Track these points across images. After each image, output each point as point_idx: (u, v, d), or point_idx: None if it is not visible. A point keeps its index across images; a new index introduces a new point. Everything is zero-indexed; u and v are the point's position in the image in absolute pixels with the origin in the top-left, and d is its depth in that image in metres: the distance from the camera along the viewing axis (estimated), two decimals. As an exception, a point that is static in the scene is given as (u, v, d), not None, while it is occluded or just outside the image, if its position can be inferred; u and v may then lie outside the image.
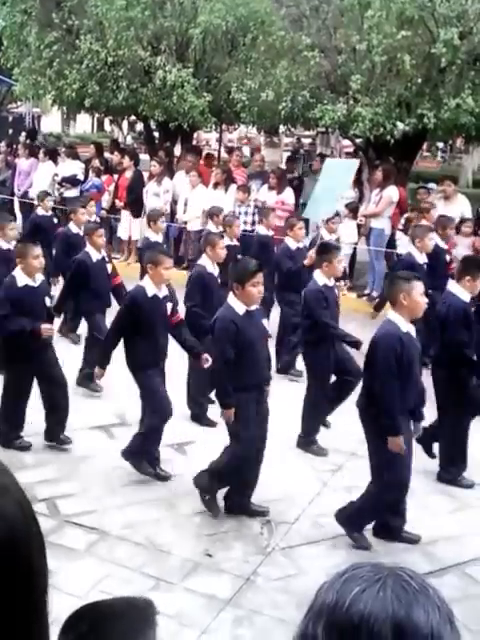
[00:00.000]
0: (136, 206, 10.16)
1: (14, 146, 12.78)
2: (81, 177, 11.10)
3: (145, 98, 10.38)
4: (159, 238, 7.46)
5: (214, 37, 9.96)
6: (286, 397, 5.50)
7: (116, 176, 10.71)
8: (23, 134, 13.06)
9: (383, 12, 8.08)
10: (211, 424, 5.66)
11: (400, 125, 8.42)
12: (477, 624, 3.42)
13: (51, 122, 23.16)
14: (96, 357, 5.50)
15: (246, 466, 4.34)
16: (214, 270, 5.75)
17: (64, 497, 4.59)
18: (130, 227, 10.30)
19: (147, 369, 4.72)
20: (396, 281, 4.12)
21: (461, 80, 8.15)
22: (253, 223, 9.49)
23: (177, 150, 11.76)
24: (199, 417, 5.74)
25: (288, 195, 9.58)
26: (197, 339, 5.36)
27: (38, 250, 5.07)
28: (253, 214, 9.48)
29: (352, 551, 4.10)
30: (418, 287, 4.01)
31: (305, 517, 4.48)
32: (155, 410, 4.75)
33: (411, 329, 4.06)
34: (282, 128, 12.05)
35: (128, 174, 10.39)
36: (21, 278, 5.04)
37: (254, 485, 4.46)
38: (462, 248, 8.52)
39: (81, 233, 6.99)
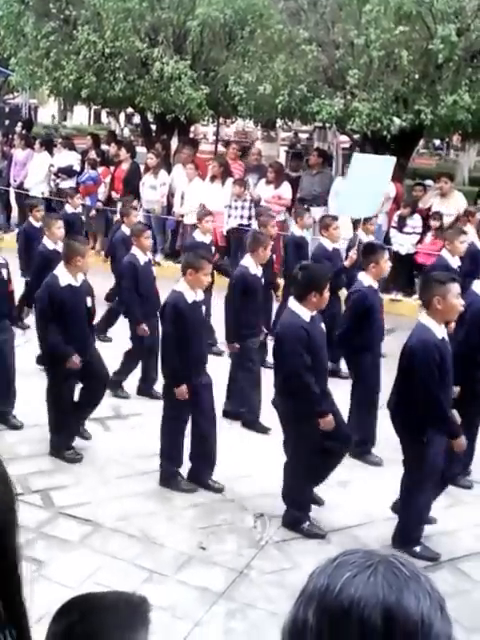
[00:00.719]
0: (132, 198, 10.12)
1: (10, 136, 12.71)
2: (77, 168, 11.05)
3: (142, 90, 10.33)
4: (207, 239, 7.02)
5: (212, 29, 9.91)
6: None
7: (112, 168, 10.67)
8: (19, 124, 12.98)
9: (381, 7, 8.06)
10: (264, 430, 5.52)
11: (397, 121, 8.39)
12: (470, 620, 3.45)
13: (48, 113, 23.04)
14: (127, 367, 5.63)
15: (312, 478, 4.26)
16: (258, 271, 5.61)
17: (58, 488, 4.60)
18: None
19: (183, 384, 4.53)
20: (431, 283, 3.97)
21: (458, 77, 8.14)
22: (249, 217, 9.47)
23: (174, 143, 11.72)
24: (251, 422, 5.59)
25: (285, 190, 9.55)
26: (240, 344, 5.36)
27: (88, 249, 4.94)
28: (249, 208, 9.46)
29: (345, 545, 4.12)
30: (454, 289, 3.88)
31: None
32: (174, 428, 4.63)
33: (444, 333, 3.96)
34: (279, 122, 12.02)
35: (125, 166, 10.36)
36: (64, 278, 4.87)
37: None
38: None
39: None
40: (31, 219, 7.50)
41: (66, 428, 5.01)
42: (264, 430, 5.54)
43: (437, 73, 8.33)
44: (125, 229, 7.07)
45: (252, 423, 5.61)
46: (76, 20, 10.48)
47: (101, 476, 4.81)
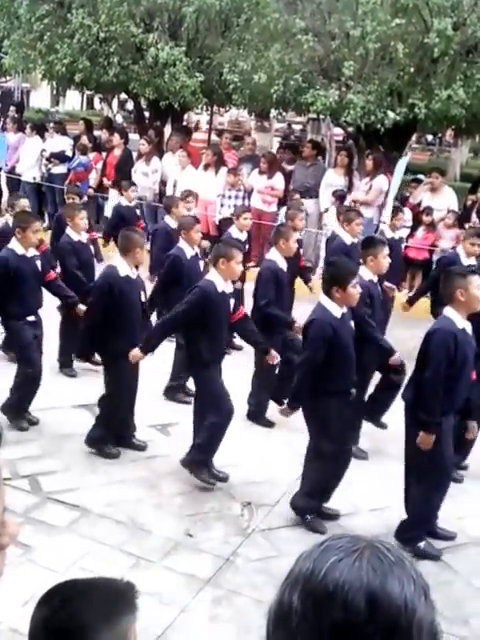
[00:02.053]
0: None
1: (2, 120, 12.58)
2: (70, 153, 10.96)
3: (136, 75, 10.24)
4: (242, 236, 6.67)
5: (207, 16, 9.84)
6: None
7: (104, 154, 10.59)
8: (12, 108, 12.84)
9: (378, -1, 8.04)
10: (269, 425, 5.54)
11: (391, 114, 8.39)
12: (451, 610, 3.50)
13: (40, 98, 22.77)
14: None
15: (328, 474, 4.26)
16: (284, 264, 5.54)
17: (46, 474, 4.60)
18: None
19: (209, 368, 4.52)
20: (452, 277, 3.99)
21: (453, 71, 8.13)
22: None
23: (167, 130, 11.66)
24: (256, 416, 5.59)
25: (278, 180, 9.53)
26: (268, 338, 5.20)
27: (145, 242, 4.83)
28: (242, 198, 9.43)
29: (331, 534, 4.14)
30: (475, 281, 3.91)
31: (286, 500, 4.50)
32: (219, 408, 4.52)
33: (467, 326, 3.98)
34: (273, 112, 11.97)
35: (117, 152, 10.29)
36: (123, 268, 4.75)
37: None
38: (446, 241, 8.58)
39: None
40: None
41: (114, 424, 4.91)
42: (269, 424, 5.54)
43: (432, 67, 8.31)
44: (169, 220, 6.88)
45: (257, 416, 5.60)
46: (71, 3, 10.36)
47: (89, 462, 4.81)
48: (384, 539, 0.93)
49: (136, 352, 4.58)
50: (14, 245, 5.08)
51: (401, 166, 7.86)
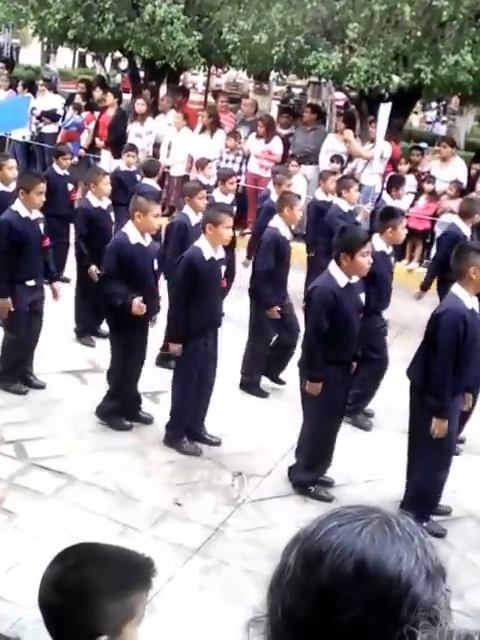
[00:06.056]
0: (117, 146, 9.79)
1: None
2: (61, 112, 10.65)
3: (132, 33, 9.91)
4: (228, 200, 6.43)
5: (208, -28, 9.49)
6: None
7: (97, 113, 10.30)
8: (1, 65, 12.45)
9: (386, -43, 7.74)
10: (262, 395, 5.46)
11: (396, 79, 8.14)
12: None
13: (30, 54, 22.13)
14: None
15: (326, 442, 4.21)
16: (287, 233, 5.39)
17: (33, 440, 4.50)
18: (110, 167, 9.95)
19: (192, 340, 4.39)
20: (467, 253, 3.89)
21: (461, 36, 7.88)
22: (239, 173, 9.22)
23: (163, 91, 11.35)
24: (249, 386, 5.48)
25: (276, 145, 9.29)
26: (258, 308, 5.10)
27: (158, 209, 4.68)
28: (240, 163, 9.20)
29: (323, 505, 4.08)
30: None
31: (277, 471, 4.47)
32: (183, 387, 4.50)
33: (475, 305, 3.90)
34: (273, 75, 11.64)
35: (110, 112, 10.00)
36: (134, 235, 4.58)
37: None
38: (448, 212, 8.40)
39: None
40: (56, 166, 7.12)
41: (127, 393, 4.79)
42: (262, 394, 5.45)
43: (440, 31, 8.06)
44: (152, 183, 6.84)
45: (250, 386, 5.50)
46: (65, -45, 9.96)
47: (76, 429, 4.71)
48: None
49: (175, 347, 4.48)
50: (18, 207, 4.91)
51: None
